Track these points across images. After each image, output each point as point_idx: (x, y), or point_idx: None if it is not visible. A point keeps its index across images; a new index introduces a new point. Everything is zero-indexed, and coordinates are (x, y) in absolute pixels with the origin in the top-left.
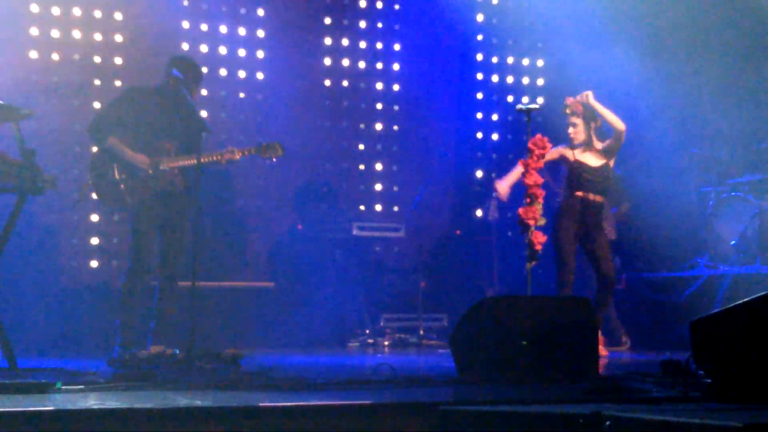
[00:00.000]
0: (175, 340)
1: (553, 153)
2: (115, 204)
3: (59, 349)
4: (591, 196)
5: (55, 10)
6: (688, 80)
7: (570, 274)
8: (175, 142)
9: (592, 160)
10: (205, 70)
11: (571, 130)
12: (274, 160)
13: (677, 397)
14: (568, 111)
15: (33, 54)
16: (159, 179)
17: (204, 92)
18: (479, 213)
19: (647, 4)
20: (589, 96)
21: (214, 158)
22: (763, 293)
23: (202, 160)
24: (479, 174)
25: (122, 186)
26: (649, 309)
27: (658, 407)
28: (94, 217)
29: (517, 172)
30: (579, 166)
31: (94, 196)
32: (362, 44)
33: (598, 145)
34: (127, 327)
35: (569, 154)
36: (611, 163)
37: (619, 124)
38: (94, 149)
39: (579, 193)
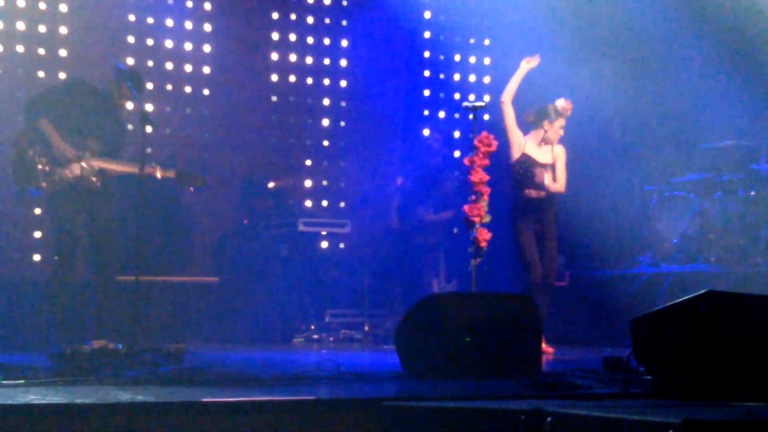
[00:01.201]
0: (118, 334)
1: (517, 131)
2: (27, 184)
3: None
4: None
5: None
6: (631, 81)
7: (536, 258)
8: (100, 143)
9: (542, 156)
10: (150, 63)
11: (561, 131)
12: (192, 189)
13: (618, 394)
14: (568, 114)
15: None
16: (76, 172)
17: (150, 85)
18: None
19: (589, 3)
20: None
21: (133, 170)
22: (702, 291)
23: (118, 168)
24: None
25: (39, 168)
26: (591, 306)
27: (599, 403)
28: (37, 211)
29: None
30: (529, 158)
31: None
32: (309, 40)
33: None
34: (61, 321)
35: (524, 145)
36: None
37: None
38: (21, 129)
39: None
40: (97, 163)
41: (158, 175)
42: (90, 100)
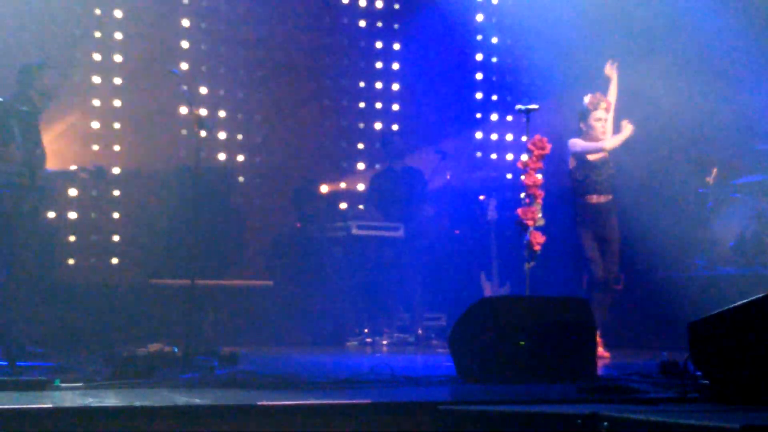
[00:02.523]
0: (174, 338)
1: (591, 144)
2: None
3: (58, 347)
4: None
5: None
6: (685, 81)
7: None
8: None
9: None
10: (203, 68)
11: (598, 125)
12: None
13: (675, 398)
14: (605, 107)
15: None
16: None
17: (203, 90)
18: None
19: (644, 6)
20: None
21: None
22: (760, 295)
23: None
24: (477, 174)
25: None
26: (647, 310)
27: (655, 408)
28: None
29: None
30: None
31: None
32: (362, 43)
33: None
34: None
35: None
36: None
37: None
38: None
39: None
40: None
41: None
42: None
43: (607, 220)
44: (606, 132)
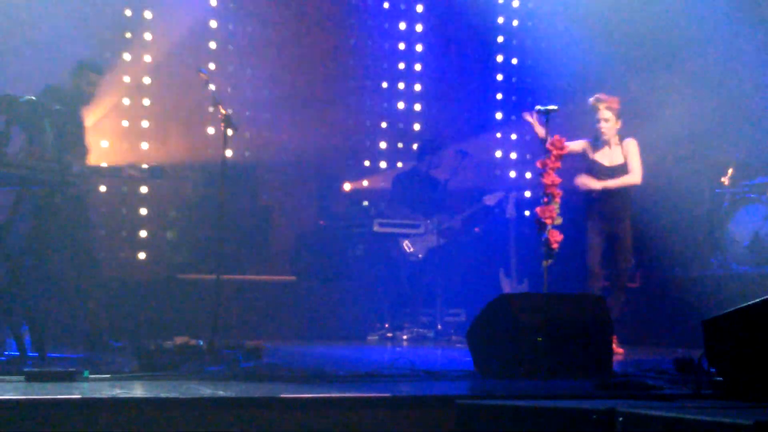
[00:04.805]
0: (200, 331)
1: (577, 144)
2: None
3: (86, 340)
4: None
5: None
6: (702, 86)
7: (597, 267)
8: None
9: (608, 159)
10: (231, 68)
11: (603, 125)
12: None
13: (689, 395)
14: (603, 106)
15: None
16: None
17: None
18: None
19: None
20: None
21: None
22: None
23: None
24: (497, 173)
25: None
26: (662, 307)
27: (670, 404)
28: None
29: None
30: (595, 164)
31: None
32: (385, 45)
33: (617, 145)
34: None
35: (590, 151)
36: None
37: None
38: None
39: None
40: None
41: (130, 173)
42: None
43: (613, 216)
44: (609, 134)
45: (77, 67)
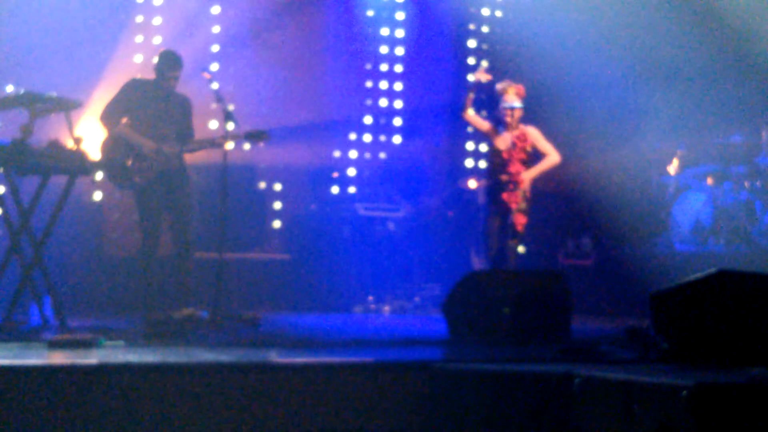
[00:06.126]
0: (204, 304)
1: (484, 124)
2: (123, 183)
3: (103, 311)
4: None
5: None
6: (655, 85)
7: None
8: (172, 127)
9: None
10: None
11: (509, 111)
12: (261, 144)
13: (638, 359)
14: (513, 91)
15: None
16: (162, 161)
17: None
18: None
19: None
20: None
21: (204, 144)
22: (713, 269)
23: (193, 146)
24: (469, 164)
25: (129, 166)
26: (615, 282)
27: (621, 368)
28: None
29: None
30: (496, 152)
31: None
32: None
33: (516, 132)
34: (149, 293)
35: (493, 136)
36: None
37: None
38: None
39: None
40: (175, 147)
41: (228, 144)
42: (149, 93)
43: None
44: (514, 120)
45: (165, 59)
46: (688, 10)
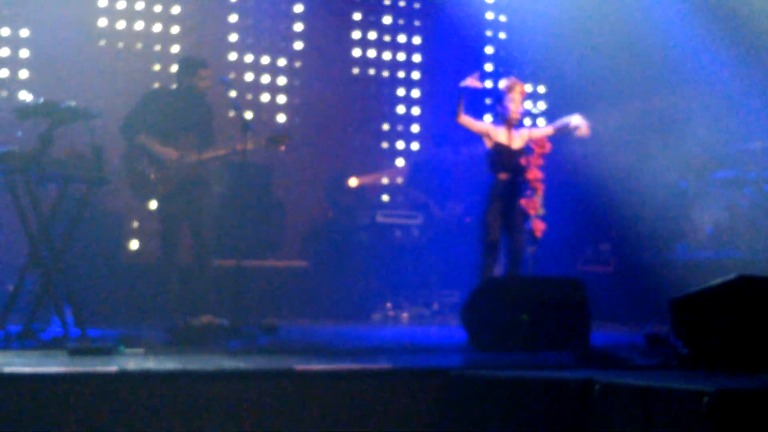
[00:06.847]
0: (223, 311)
1: (482, 125)
2: (145, 193)
3: (123, 318)
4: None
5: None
6: (671, 89)
7: (495, 250)
8: (194, 135)
9: (514, 143)
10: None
11: (514, 107)
12: (282, 149)
13: (658, 365)
14: (519, 89)
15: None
16: (183, 170)
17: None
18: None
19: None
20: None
21: (227, 151)
22: (733, 275)
23: (220, 152)
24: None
25: (152, 177)
26: (634, 288)
27: (641, 374)
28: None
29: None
30: (502, 146)
31: None
32: (386, 38)
33: (516, 129)
34: (169, 301)
35: (494, 134)
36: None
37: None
38: (125, 145)
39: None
40: (197, 155)
41: (249, 147)
42: (171, 102)
43: (511, 197)
44: (516, 118)
45: (185, 66)
46: (719, 15)
